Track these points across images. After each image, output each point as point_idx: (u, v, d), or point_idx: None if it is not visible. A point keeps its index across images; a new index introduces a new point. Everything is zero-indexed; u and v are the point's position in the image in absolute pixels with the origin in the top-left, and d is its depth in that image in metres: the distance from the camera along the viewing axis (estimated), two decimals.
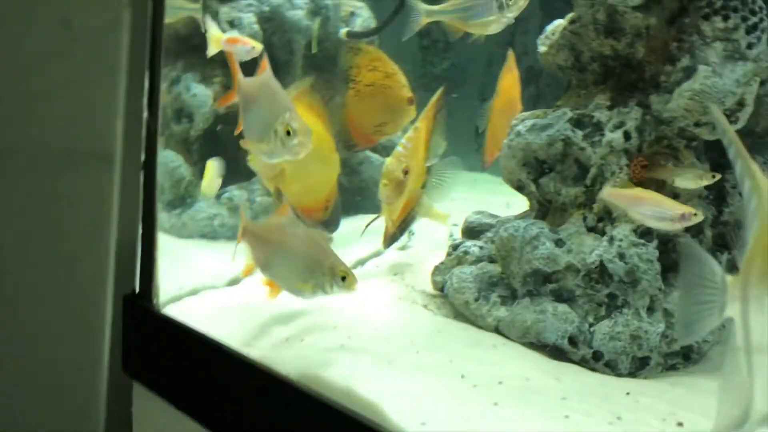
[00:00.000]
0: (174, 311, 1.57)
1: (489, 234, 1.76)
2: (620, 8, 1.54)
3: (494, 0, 1.55)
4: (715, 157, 1.57)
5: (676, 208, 1.40)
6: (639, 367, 1.43)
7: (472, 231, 1.83)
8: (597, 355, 1.43)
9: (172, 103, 2.29)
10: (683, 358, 1.49)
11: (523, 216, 1.71)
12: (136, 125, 1.42)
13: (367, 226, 1.96)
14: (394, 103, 1.96)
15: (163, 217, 2.22)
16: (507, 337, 1.52)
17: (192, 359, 1.45)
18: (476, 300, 1.59)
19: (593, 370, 1.43)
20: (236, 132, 1.44)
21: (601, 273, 1.48)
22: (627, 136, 1.52)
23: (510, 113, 1.81)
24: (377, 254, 2.08)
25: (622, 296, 1.46)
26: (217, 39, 1.98)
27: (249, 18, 2.37)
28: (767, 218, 0.81)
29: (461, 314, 1.63)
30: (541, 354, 1.46)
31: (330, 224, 1.99)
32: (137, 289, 1.56)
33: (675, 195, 1.52)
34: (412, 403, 1.16)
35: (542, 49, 1.73)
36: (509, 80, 1.92)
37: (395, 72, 1.96)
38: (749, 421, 0.80)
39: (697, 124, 1.50)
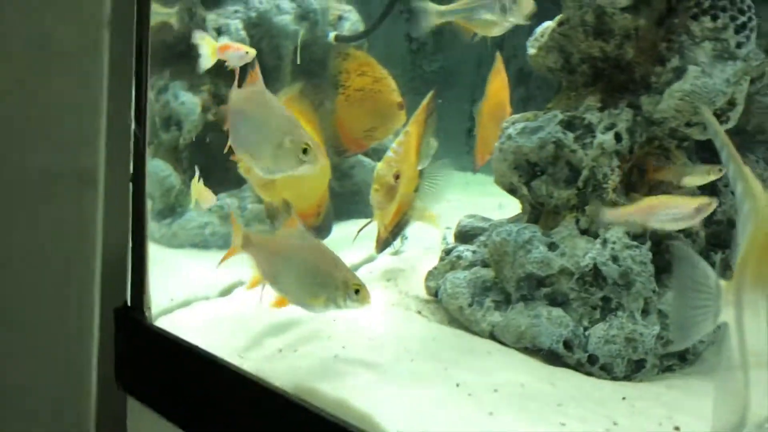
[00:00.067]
0: (166, 323, 1.56)
1: (482, 238, 1.76)
2: (609, 10, 1.53)
3: (497, 1, 1.54)
4: (707, 156, 1.57)
5: (689, 203, 1.38)
6: (635, 370, 1.43)
7: (464, 235, 1.82)
8: (592, 359, 1.43)
9: (160, 111, 2.27)
10: (679, 359, 1.49)
11: (515, 219, 1.71)
12: (120, 140, 1.41)
13: (359, 232, 1.95)
14: (384, 108, 1.95)
15: (153, 227, 2.20)
16: (502, 343, 1.51)
17: (185, 372, 1.44)
18: (470, 305, 1.59)
19: (589, 374, 1.42)
20: (226, 149, 1.41)
21: (594, 276, 1.47)
22: (618, 137, 1.52)
23: (499, 116, 1.81)
24: (370, 260, 2.07)
25: (616, 299, 1.46)
26: (213, 50, 1.96)
27: (236, 24, 2.35)
28: (760, 222, 0.81)
29: (455, 320, 1.62)
30: (536, 359, 1.46)
31: (322, 230, 1.99)
32: (129, 302, 1.55)
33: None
34: (407, 414, 1.15)
35: (531, 51, 1.72)
36: (497, 83, 1.91)
37: (384, 76, 1.95)
38: (746, 426, 0.79)
39: (688, 125, 1.49)
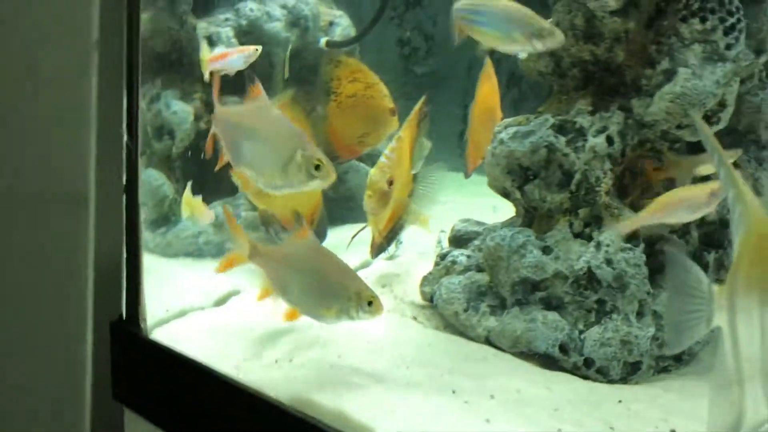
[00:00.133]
0: (162, 335, 1.55)
1: (476, 242, 1.76)
2: (598, 13, 1.54)
3: (532, 26, 1.44)
4: None
5: (702, 190, 1.37)
6: (630, 372, 1.43)
7: (459, 239, 1.82)
8: (588, 362, 1.43)
9: (152, 120, 2.27)
10: (675, 360, 1.50)
11: (509, 223, 1.71)
12: (112, 153, 1.40)
13: (353, 237, 1.95)
14: (376, 114, 1.95)
15: (147, 236, 2.20)
16: (497, 348, 1.52)
17: (181, 384, 1.44)
18: (465, 311, 1.59)
19: (585, 377, 1.43)
20: (218, 167, 1.40)
21: (589, 279, 1.48)
22: (610, 140, 1.52)
23: (489, 121, 1.80)
24: (365, 265, 2.07)
25: (611, 302, 1.46)
26: (206, 63, 1.96)
27: (227, 32, 2.35)
28: (751, 227, 0.81)
29: (451, 325, 1.62)
30: (532, 363, 1.46)
31: (317, 236, 1.98)
32: (124, 315, 1.54)
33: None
34: (404, 423, 1.15)
35: (522, 55, 1.72)
36: (487, 88, 1.91)
37: (376, 82, 1.95)
38: (741, 428, 0.80)
39: (679, 127, 1.50)
